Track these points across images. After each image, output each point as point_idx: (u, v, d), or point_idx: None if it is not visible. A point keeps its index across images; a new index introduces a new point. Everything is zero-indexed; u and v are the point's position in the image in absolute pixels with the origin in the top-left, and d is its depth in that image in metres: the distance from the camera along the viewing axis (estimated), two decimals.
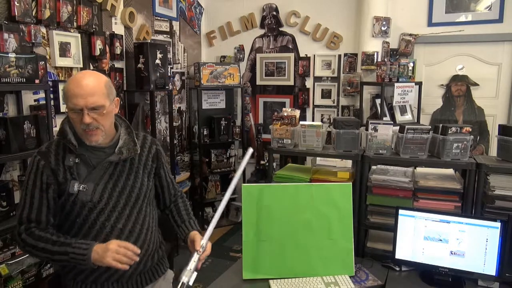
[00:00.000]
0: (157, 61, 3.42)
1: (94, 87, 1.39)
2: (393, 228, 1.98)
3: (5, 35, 2.27)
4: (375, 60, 3.73)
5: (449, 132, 2.02)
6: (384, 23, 3.69)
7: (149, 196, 1.62)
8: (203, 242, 1.48)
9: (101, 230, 1.47)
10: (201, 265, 1.46)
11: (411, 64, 3.47)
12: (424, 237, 1.91)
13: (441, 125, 2.12)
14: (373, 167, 2.34)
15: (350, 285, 1.82)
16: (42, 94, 2.51)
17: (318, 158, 2.40)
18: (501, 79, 3.60)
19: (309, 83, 4.24)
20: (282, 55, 4.32)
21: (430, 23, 3.70)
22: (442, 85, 3.81)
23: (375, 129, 2.19)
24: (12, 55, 2.15)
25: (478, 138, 3.74)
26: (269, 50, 4.38)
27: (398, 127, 2.21)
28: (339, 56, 4.08)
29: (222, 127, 4.23)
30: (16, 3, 2.33)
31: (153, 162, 1.64)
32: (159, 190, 1.71)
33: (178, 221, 1.70)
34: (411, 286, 1.88)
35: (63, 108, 2.74)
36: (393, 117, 3.63)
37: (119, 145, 1.51)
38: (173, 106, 4.11)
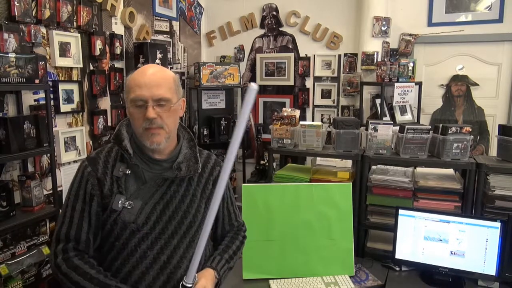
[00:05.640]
0: (157, 61, 3.41)
1: (161, 78, 1.23)
2: (393, 228, 1.99)
3: (5, 35, 2.27)
4: (375, 60, 3.73)
5: (449, 132, 2.02)
6: (384, 23, 3.69)
7: None
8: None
9: (141, 260, 1.25)
10: None
11: (411, 64, 3.47)
12: (424, 237, 1.91)
13: (441, 125, 2.12)
14: (373, 167, 2.34)
15: (350, 285, 1.82)
16: (42, 94, 2.51)
17: (318, 158, 2.40)
18: (501, 79, 3.60)
19: (309, 83, 4.24)
20: (282, 55, 4.31)
21: (430, 23, 3.70)
22: (442, 85, 3.80)
23: (375, 129, 2.19)
24: (12, 55, 2.15)
25: (478, 138, 3.73)
26: (269, 50, 4.37)
27: (398, 127, 2.21)
28: (339, 56, 4.07)
29: (222, 127, 4.22)
30: (16, 3, 2.33)
31: (213, 187, 1.35)
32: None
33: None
34: (411, 286, 1.88)
35: (63, 108, 2.73)
36: (393, 117, 3.63)
37: (178, 159, 1.30)
38: None
